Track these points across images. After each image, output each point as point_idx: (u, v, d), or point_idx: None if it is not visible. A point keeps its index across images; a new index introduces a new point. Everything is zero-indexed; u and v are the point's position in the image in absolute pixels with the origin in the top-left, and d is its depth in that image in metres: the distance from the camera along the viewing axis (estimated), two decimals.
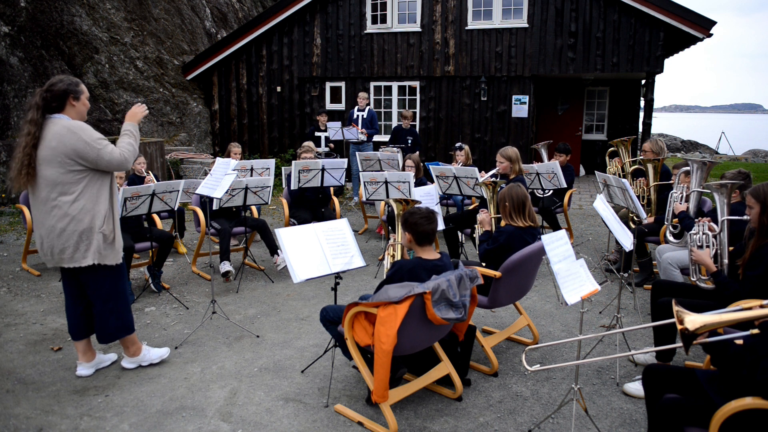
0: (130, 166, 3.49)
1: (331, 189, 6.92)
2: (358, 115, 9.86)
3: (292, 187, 6.38)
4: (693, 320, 2.12)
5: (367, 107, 9.97)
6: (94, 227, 3.37)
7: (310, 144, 7.17)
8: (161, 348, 3.98)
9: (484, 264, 3.99)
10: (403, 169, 7.00)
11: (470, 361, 3.75)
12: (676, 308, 2.17)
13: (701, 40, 10.36)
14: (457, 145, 7.65)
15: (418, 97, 12.05)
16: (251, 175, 6.64)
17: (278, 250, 5.97)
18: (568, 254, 3.14)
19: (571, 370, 3.81)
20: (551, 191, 6.78)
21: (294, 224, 5.34)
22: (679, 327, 2.13)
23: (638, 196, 5.51)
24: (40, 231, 3.39)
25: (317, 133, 10.12)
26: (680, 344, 2.18)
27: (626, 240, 3.99)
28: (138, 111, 3.63)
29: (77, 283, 3.57)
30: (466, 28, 11.39)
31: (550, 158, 7.55)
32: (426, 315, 3.01)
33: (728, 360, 2.38)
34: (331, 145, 9.87)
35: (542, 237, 3.13)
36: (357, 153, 8.10)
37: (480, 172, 6.20)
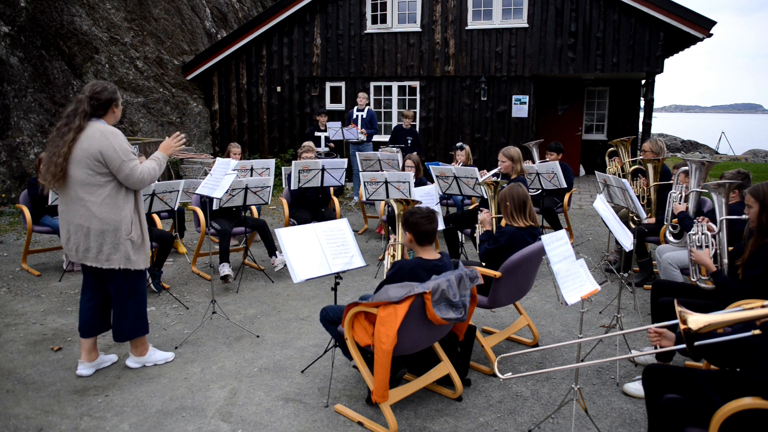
0: (144, 187, 3.56)
1: (331, 189, 6.92)
2: (357, 115, 9.86)
3: (292, 187, 6.38)
4: (696, 320, 2.12)
5: (367, 107, 9.97)
6: (120, 232, 3.45)
7: (310, 144, 7.16)
8: (167, 352, 3.99)
9: (484, 264, 3.99)
10: (403, 169, 7.00)
11: (470, 361, 3.75)
12: (678, 308, 2.17)
13: (701, 40, 10.36)
14: (458, 144, 7.65)
15: (418, 97, 12.05)
16: (251, 175, 6.63)
17: (276, 252, 5.98)
18: (568, 254, 3.14)
19: (571, 370, 3.81)
20: (541, 190, 6.78)
21: (294, 224, 5.33)
22: (682, 327, 2.13)
23: (638, 196, 5.51)
24: (67, 227, 3.48)
25: (317, 133, 10.12)
26: (683, 345, 2.18)
27: (626, 240, 3.99)
28: (173, 144, 3.76)
29: (97, 279, 3.64)
30: (466, 28, 11.39)
31: (541, 157, 7.56)
32: (426, 315, 3.01)
33: (725, 355, 2.38)
34: (331, 144, 9.87)
35: (542, 237, 3.13)
36: (357, 153, 8.10)
37: (480, 171, 6.21)
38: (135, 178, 3.43)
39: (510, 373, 2.82)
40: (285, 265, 5.93)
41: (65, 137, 3.32)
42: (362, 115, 9.85)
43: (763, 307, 2.21)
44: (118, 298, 3.62)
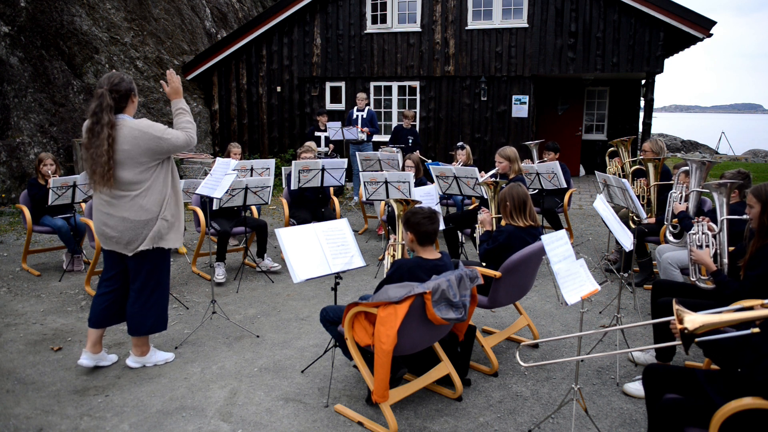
0: (195, 142, 3.62)
1: (331, 189, 6.92)
2: (357, 116, 9.85)
3: (292, 187, 6.38)
4: (692, 320, 2.12)
5: (367, 107, 9.97)
6: (160, 214, 3.49)
7: (310, 144, 7.16)
8: (167, 353, 3.99)
9: (484, 264, 3.98)
10: (403, 169, 7.00)
11: (470, 361, 3.75)
12: (676, 307, 2.17)
13: (701, 40, 10.36)
14: (459, 144, 7.65)
15: (418, 97, 12.05)
16: (251, 175, 6.63)
17: (265, 255, 6.05)
18: (568, 254, 3.14)
19: (571, 369, 3.81)
20: (540, 190, 6.79)
21: (294, 224, 5.33)
22: (678, 326, 2.13)
23: (638, 196, 5.52)
24: (108, 221, 3.46)
25: (317, 133, 10.12)
26: (679, 342, 2.18)
27: (626, 240, 3.99)
28: (177, 84, 3.70)
29: (123, 272, 3.65)
30: (466, 28, 11.39)
31: (540, 157, 7.57)
32: (426, 315, 3.01)
33: (726, 353, 2.38)
34: (331, 145, 9.87)
35: (542, 237, 3.13)
36: (357, 153, 8.11)
37: (480, 172, 6.21)
38: (183, 140, 3.50)
39: (532, 362, 2.82)
40: (267, 270, 5.98)
41: (101, 135, 3.30)
42: (362, 115, 9.85)
43: (762, 306, 2.21)
44: (145, 290, 3.62)
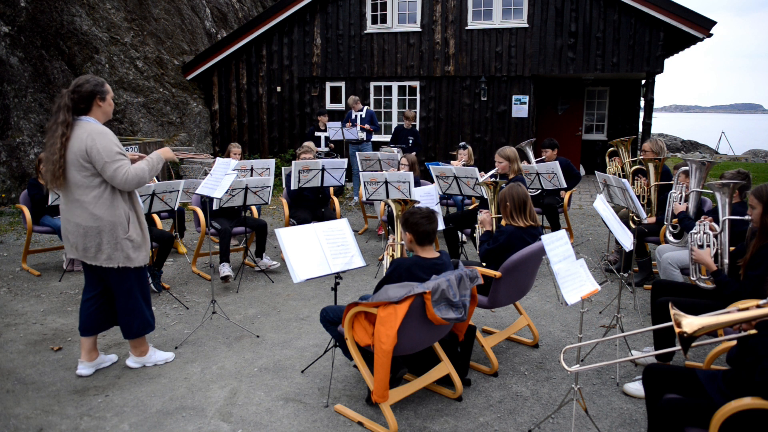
0: (129, 189, 3.47)
1: (331, 189, 6.92)
2: (356, 116, 9.85)
3: (291, 187, 6.38)
4: (690, 323, 2.12)
5: (365, 107, 9.97)
6: (117, 231, 3.44)
7: (310, 144, 7.16)
8: (167, 353, 3.99)
9: (484, 264, 3.98)
10: (398, 169, 7.01)
11: (470, 361, 3.75)
12: (673, 311, 2.17)
13: (701, 40, 10.36)
14: (461, 144, 7.66)
15: (418, 97, 12.05)
16: (251, 175, 6.63)
17: (263, 254, 6.04)
18: (568, 254, 3.14)
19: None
20: (540, 190, 6.79)
21: (294, 224, 5.33)
22: (677, 330, 2.13)
23: (638, 196, 5.52)
24: (67, 226, 3.48)
25: (317, 133, 10.12)
26: (679, 347, 2.18)
27: (626, 240, 3.99)
28: (172, 155, 3.76)
29: (99, 277, 3.63)
30: (466, 28, 11.39)
31: (536, 156, 7.56)
32: (426, 315, 3.01)
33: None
34: (332, 145, 9.87)
35: (542, 237, 3.13)
36: (357, 153, 8.11)
37: (479, 172, 6.21)
38: (118, 179, 3.36)
39: (578, 365, 2.81)
40: (266, 269, 5.98)
41: (55, 134, 3.29)
42: (361, 115, 9.85)
43: (758, 307, 2.21)
44: (122, 297, 3.61)
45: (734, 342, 2.46)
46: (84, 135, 3.31)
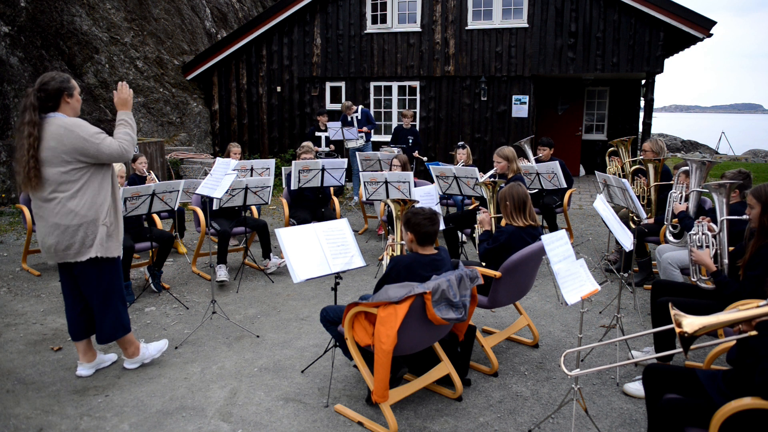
0: (130, 156, 3.44)
1: (331, 189, 6.92)
2: (352, 118, 9.84)
3: (292, 187, 6.38)
4: (691, 323, 2.12)
5: (359, 107, 9.97)
6: (98, 220, 3.35)
7: (309, 144, 7.17)
8: (159, 341, 3.96)
9: (484, 264, 3.98)
10: (390, 169, 7.00)
11: (470, 361, 3.75)
12: (673, 311, 2.17)
13: (701, 40, 10.36)
14: (460, 143, 7.66)
15: (418, 97, 12.05)
16: (251, 175, 6.64)
17: (271, 255, 6.01)
18: (568, 254, 3.15)
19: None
20: (540, 190, 6.78)
21: (294, 224, 5.33)
22: (677, 330, 2.13)
23: (638, 196, 5.51)
24: (43, 229, 3.35)
25: (317, 133, 10.12)
26: (680, 349, 2.18)
27: (626, 240, 3.99)
28: (126, 96, 3.53)
29: (75, 281, 3.55)
30: (466, 28, 11.39)
31: (534, 154, 7.56)
32: (426, 315, 3.01)
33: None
34: (332, 146, 9.87)
35: (542, 237, 3.13)
36: (357, 153, 8.11)
37: (479, 172, 6.21)
38: (116, 151, 3.30)
39: (578, 369, 2.80)
40: (277, 268, 5.97)
41: (23, 135, 3.20)
42: (357, 116, 9.85)
43: (758, 307, 2.21)
44: (95, 298, 3.50)
45: (734, 342, 2.46)
46: (61, 131, 3.21)
